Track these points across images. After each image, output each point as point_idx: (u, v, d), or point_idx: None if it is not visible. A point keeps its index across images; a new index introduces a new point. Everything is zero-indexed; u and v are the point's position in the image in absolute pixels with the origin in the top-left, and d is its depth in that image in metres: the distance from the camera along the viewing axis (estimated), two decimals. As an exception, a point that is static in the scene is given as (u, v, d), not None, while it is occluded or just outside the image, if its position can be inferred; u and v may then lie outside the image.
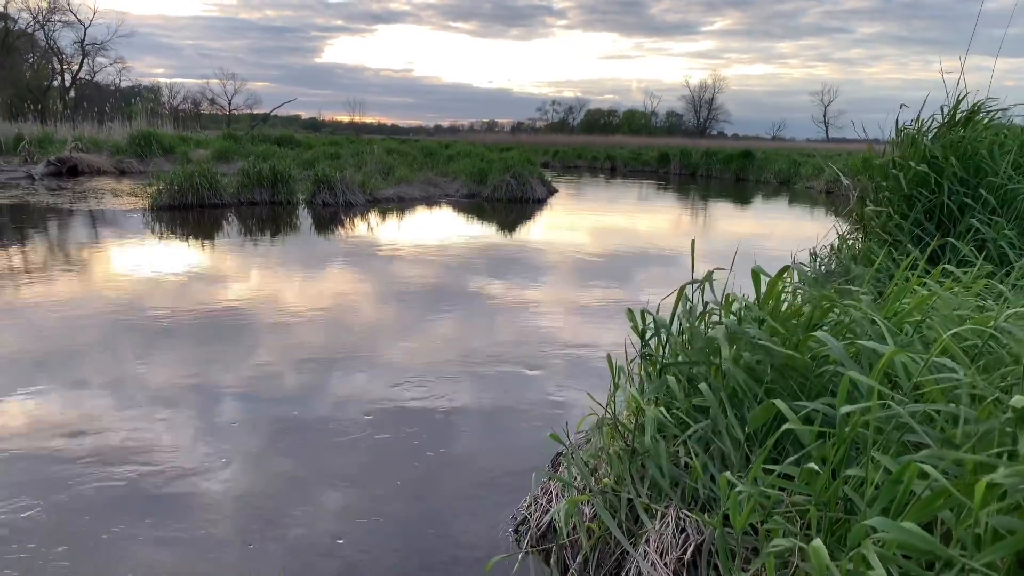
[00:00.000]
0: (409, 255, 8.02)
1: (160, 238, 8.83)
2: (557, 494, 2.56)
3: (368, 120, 74.53)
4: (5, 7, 38.72)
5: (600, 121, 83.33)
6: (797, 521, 1.65)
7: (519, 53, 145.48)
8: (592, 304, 5.92)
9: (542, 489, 2.67)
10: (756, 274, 2.30)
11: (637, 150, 38.20)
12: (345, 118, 70.22)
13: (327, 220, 11.03)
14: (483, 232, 10.36)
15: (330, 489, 2.84)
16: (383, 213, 12.09)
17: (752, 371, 2.08)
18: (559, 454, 2.99)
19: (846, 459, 1.59)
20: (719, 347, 2.13)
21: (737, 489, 1.58)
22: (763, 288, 2.34)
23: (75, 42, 42.57)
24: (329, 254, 8.02)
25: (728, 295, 2.38)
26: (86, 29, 41.93)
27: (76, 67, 43.26)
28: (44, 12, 39.89)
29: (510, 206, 14.14)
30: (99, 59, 43.83)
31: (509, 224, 11.54)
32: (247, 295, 5.85)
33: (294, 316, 5.24)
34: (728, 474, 1.65)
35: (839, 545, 1.50)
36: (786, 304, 2.42)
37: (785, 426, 1.66)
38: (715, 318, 2.54)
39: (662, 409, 2.11)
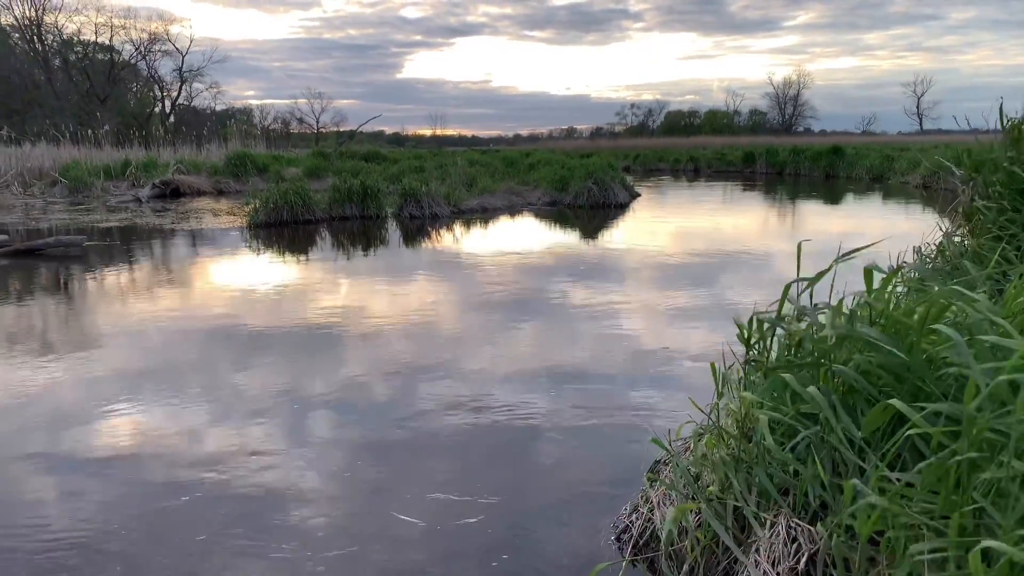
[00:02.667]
0: (494, 264, 8.10)
1: (258, 254, 9.22)
2: (659, 501, 2.53)
3: (449, 132, 75.77)
4: (110, 40, 41.36)
5: (681, 123, 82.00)
6: (922, 530, 1.58)
7: (596, 58, 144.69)
8: (679, 309, 5.84)
9: (642, 496, 2.65)
10: (868, 273, 2.22)
11: (720, 150, 37.43)
12: (427, 132, 71.66)
13: (415, 232, 11.27)
14: (566, 239, 10.36)
15: (423, 496, 2.88)
16: (468, 224, 12.26)
17: (865, 374, 2.01)
18: (657, 461, 2.96)
19: (974, 465, 1.52)
20: (829, 349, 2.07)
21: (865, 500, 1.53)
22: (874, 287, 2.26)
23: (174, 70, 45.13)
24: (417, 265, 8.19)
25: (837, 296, 2.31)
26: (184, 57, 44.38)
27: (175, 93, 45.82)
28: (146, 43, 42.42)
29: (592, 212, 14.09)
30: (196, 85, 46.33)
31: (592, 230, 11.50)
32: (340, 307, 6.04)
33: (385, 326, 5.38)
34: (856, 481, 1.60)
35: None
36: (895, 304, 2.33)
37: (908, 427, 1.60)
38: (821, 320, 2.47)
39: (775, 415, 2.06)
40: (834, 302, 2.35)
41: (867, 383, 1.95)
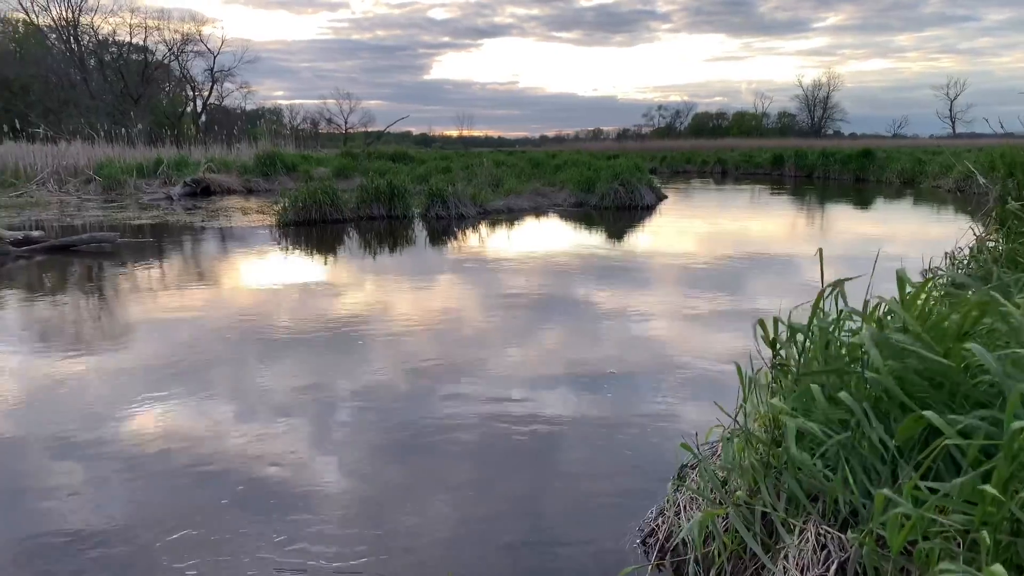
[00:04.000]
0: (519, 265, 8.10)
1: (286, 253, 9.31)
2: (685, 506, 2.52)
3: (476, 134, 75.82)
4: (144, 40, 42.02)
5: (709, 124, 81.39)
6: (957, 542, 1.56)
7: (623, 59, 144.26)
8: (704, 312, 5.79)
9: (669, 500, 2.63)
10: (900, 278, 2.18)
11: (748, 152, 37.09)
12: (454, 132, 71.80)
13: (441, 232, 11.30)
14: (592, 241, 10.33)
15: (447, 496, 2.89)
16: (493, 224, 12.27)
17: (898, 380, 1.98)
18: (684, 465, 2.94)
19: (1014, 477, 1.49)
20: (860, 355, 2.04)
21: (898, 509, 1.51)
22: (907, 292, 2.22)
23: (205, 70, 45.67)
24: (443, 266, 8.22)
25: (867, 301, 2.27)
26: (215, 57, 44.89)
27: (207, 93, 46.35)
28: (178, 44, 43.01)
29: (619, 214, 14.04)
30: (226, 84, 46.82)
31: (618, 232, 11.45)
32: (366, 306, 6.08)
33: (409, 326, 5.40)
34: (887, 491, 1.58)
35: (1012, 570, 1.40)
36: (928, 310, 2.29)
37: (943, 439, 1.57)
38: (850, 325, 2.44)
39: (803, 421, 2.04)
40: (862, 307, 2.32)
41: (900, 390, 1.92)
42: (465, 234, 11.07)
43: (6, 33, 41.36)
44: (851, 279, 2.32)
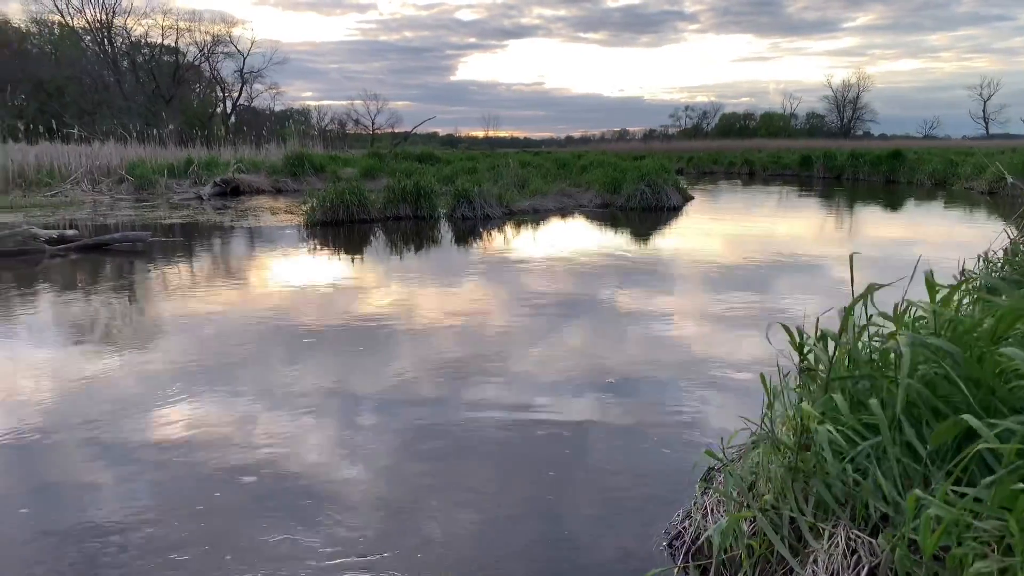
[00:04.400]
0: (545, 266, 8.11)
1: (314, 252, 9.40)
2: (712, 509, 2.51)
3: (502, 134, 76.01)
4: (176, 42, 42.66)
5: (736, 125, 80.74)
6: (991, 547, 1.54)
7: (650, 60, 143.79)
8: (731, 315, 5.76)
9: (695, 503, 2.63)
10: (930, 283, 2.16)
11: (776, 153, 36.78)
12: (480, 133, 72.02)
13: (466, 233, 11.34)
14: (618, 242, 10.30)
15: (471, 495, 2.91)
16: (519, 225, 12.29)
17: (929, 385, 1.97)
18: (711, 468, 2.93)
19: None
20: (891, 360, 2.03)
21: (931, 511, 1.49)
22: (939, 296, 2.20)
23: (235, 71, 46.32)
24: (468, 266, 8.25)
25: (898, 305, 2.25)
26: (245, 59, 45.51)
27: (236, 94, 47.01)
28: (209, 45, 43.64)
29: (644, 215, 13.99)
30: (256, 86, 47.42)
31: (644, 233, 11.41)
32: (392, 306, 6.12)
33: (435, 326, 5.43)
34: (919, 492, 1.56)
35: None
36: (963, 315, 2.27)
37: (978, 444, 1.55)
38: (881, 329, 2.42)
39: (830, 428, 2.03)
40: (894, 311, 2.30)
41: (933, 395, 1.90)
42: (491, 235, 11.10)
43: (42, 36, 42.24)
44: (884, 286, 2.30)
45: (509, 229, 11.75)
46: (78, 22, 39.63)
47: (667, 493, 2.89)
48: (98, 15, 39.42)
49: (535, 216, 13.68)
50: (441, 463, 3.20)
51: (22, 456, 3.26)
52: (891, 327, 2.33)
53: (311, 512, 2.76)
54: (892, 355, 2.03)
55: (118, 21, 40.35)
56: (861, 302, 2.35)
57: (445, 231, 11.53)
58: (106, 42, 40.35)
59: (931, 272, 2.18)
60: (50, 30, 41.94)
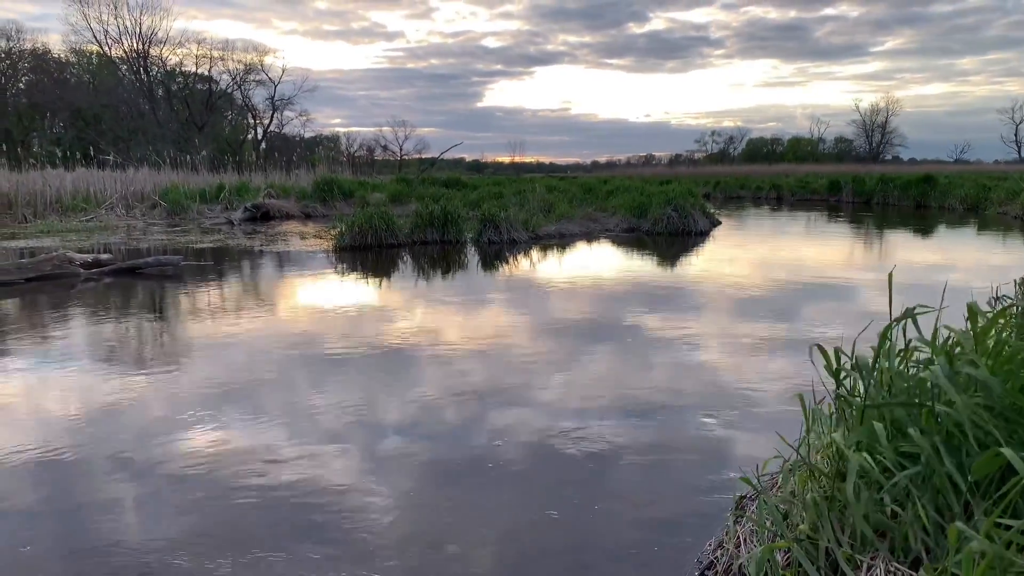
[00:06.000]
0: (571, 290, 8.09)
1: (342, 276, 9.49)
2: (745, 539, 2.47)
3: (527, 160, 76.37)
4: (209, 71, 43.60)
5: (763, 150, 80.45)
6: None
7: (675, 85, 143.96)
8: (760, 340, 5.69)
9: (727, 532, 2.59)
10: (972, 309, 2.12)
11: (804, 178, 36.51)
12: (506, 159, 72.40)
13: (493, 257, 11.38)
14: (645, 266, 10.26)
15: (496, 522, 2.89)
16: (545, 249, 12.30)
17: (969, 415, 1.92)
18: (743, 496, 2.89)
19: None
20: (929, 388, 1.99)
21: (972, 545, 1.45)
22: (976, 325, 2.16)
23: (266, 99, 46.97)
24: (494, 290, 8.26)
25: (936, 332, 2.21)
26: (276, 87, 46.22)
27: (267, 121, 47.69)
28: (241, 73, 44.47)
29: (671, 239, 13.93)
30: (286, 113, 48.03)
31: (671, 258, 11.36)
32: (419, 330, 6.14)
33: (461, 350, 5.44)
34: (961, 524, 1.52)
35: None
36: (1003, 342, 2.22)
37: (1020, 479, 1.51)
38: (918, 356, 2.38)
39: (866, 456, 1.99)
40: (928, 337, 2.26)
41: (974, 425, 1.86)
42: (517, 259, 11.12)
43: (81, 65, 43.43)
44: (926, 311, 2.27)
45: (535, 253, 11.76)
46: (115, 52, 40.71)
47: (697, 521, 2.85)
48: (135, 45, 40.47)
49: (561, 240, 13.70)
50: (466, 489, 3.18)
51: (54, 475, 3.30)
52: (927, 351, 2.29)
53: (336, 533, 2.75)
54: (930, 384, 1.99)
55: (154, 51, 41.37)
56: (899, 328, 2.31)
57: (472, 255, 11.57)
58: (142, 71, 41.36)
59: (975, 303, 2.14)
60: (88, 60, 43.11)
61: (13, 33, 40.11)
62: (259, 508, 2.99)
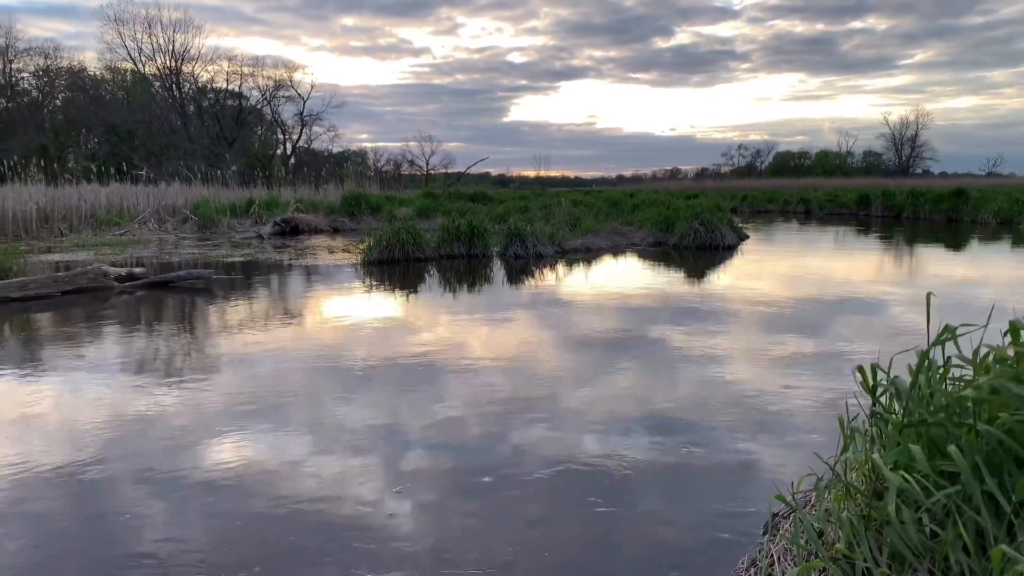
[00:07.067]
0: (597, 305, 8.08)
1: (370, 290, 9.56)
2: (779, 557, 2.44)
3: (553, 174, 76.44)
4: (239, 87, 44.32)
5: (790, 163, 79.77)
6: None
7: (701, 99, 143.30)
8: (790, 357, 5.63)
9: (761, 551, 2.56)
10: (1015, 328, 2.09)
11: (833, 192, 36.16)
12: (531, 173, 72.45)
13: (519, 271, 11.39)
14: (672, 281, 10.21)
15: (520, 539, 2.87)
16: (571, 263, 12.30)
17: (1011, 434, 1.89)
18: (776, 514, 2.86)
19: None
20: (968, 406, 1.96)
21: (1018, 567, 1.43)
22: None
23: (295, 114, 47.57)
24: (520, 304, 8.27)
25: (976, 350, 2.18)
26: (304, 102, 46.81)
27: (296, 136, 48.29)
28: (271, 90, 45.14)
29: (698, 254, 13.85)
30: (315, 128, 48.59)
31: (699, 272, 11.29)
32: (446, 343, 6.17)
33: (487, 364, 5.44)
34: (1006, 547, 1.50)
35: None
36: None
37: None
38: (955, 374, 2.34)
39: (904, 474, 1.96)
40: (967, 353, 2.22)
41: (1016, 444, 1.83)
42: (543, 273, 11.12)
43: (115, 82, 44.38)
44: (970, 330, 2.24)
45: (561, 267, 11.76)
46: (149, 69, 41.55)
47: (729, 538, 2.83)
48: (168, 62, 41.30)
49: (587, 255, 13.68)
50: (492, 504, 3.18)
51: (83, 486, 3.36)
52: (967, 370, 2.26)
53: (360, 544, 2.76)
54: (970, 403, 1.96)
55: (186, 68, 42.18)
56: (936, 344, 2.28)
57: (498, 269, 11.60)
58: (174, 88, 42.17)
59: (1019, 320, 2.10)
60: (123, 77, 44.04)
61: (51, 51, 41.18)
62: (285, 520, 3.01)
